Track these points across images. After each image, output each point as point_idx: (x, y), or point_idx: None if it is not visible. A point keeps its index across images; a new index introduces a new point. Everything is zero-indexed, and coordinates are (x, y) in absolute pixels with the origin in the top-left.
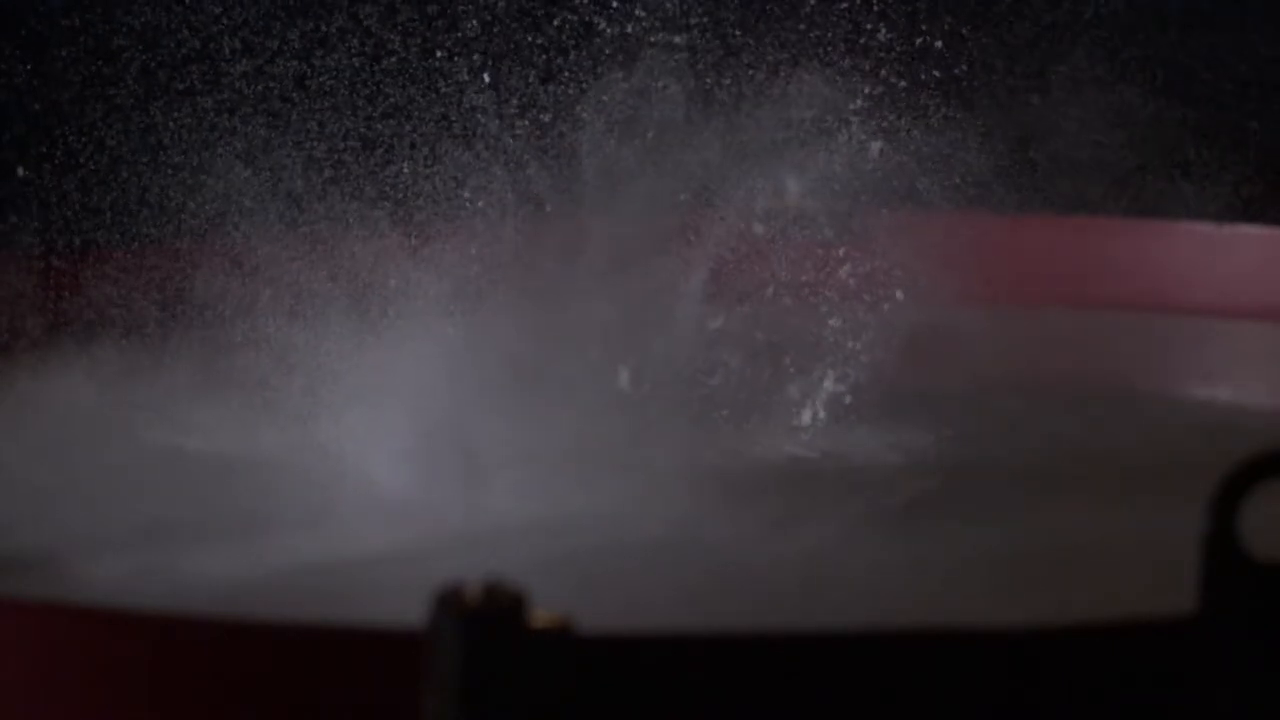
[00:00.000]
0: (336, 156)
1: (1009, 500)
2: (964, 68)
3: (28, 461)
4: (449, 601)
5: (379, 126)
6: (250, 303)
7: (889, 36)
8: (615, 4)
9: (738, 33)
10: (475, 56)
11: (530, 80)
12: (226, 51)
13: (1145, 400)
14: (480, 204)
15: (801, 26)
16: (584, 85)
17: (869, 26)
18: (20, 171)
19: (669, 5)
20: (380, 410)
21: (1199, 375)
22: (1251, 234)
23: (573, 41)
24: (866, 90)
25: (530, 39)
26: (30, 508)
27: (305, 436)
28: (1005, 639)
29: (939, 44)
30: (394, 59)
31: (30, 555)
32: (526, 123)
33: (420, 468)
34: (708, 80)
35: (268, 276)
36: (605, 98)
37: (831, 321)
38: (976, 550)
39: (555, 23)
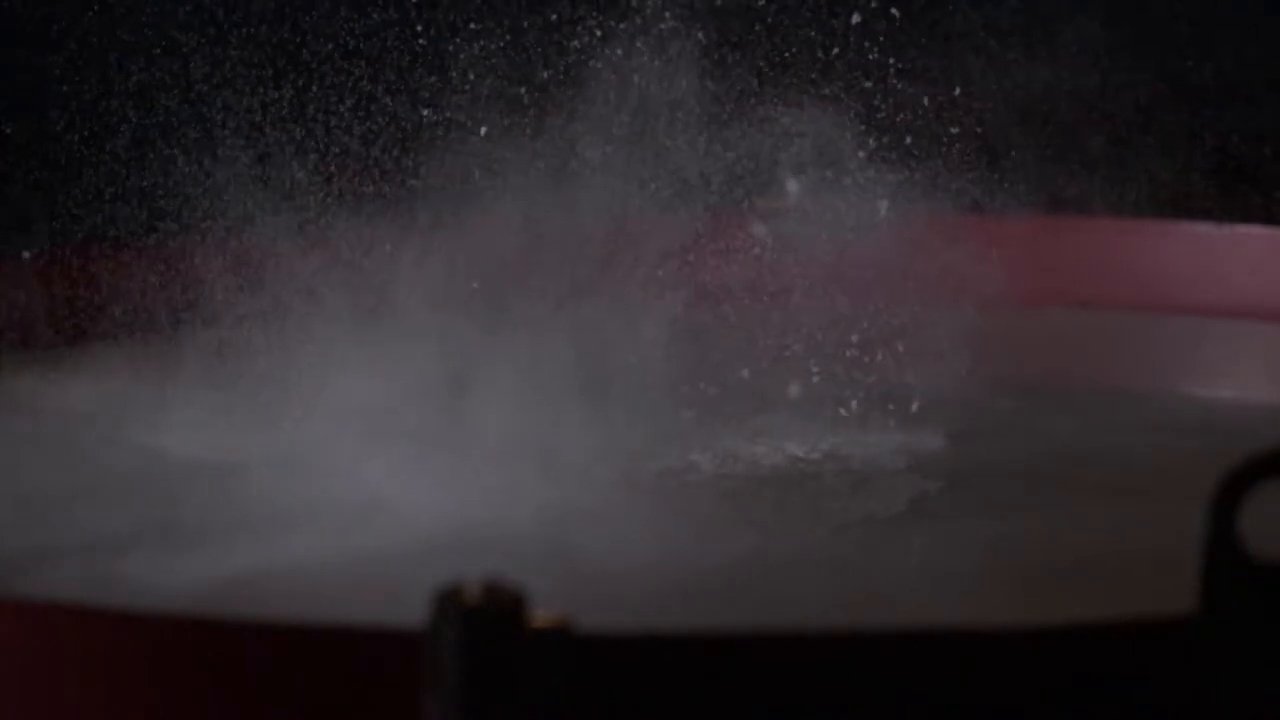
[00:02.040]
0: (325, 162)
1: (1008, 500)
2: (958, 66)
3: (17, 463)
4: (449, 601)
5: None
6: (239, 305)
7: (885, 34)
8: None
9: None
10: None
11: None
12: (219, 109)
13: (1145, 400)
14: (472, 207)
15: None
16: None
17: (870, 25)
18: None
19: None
20: (364, 415)
21: (1199, 375)
22: (1251, 234)
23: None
24: (863, 89)
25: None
26: (21, 509)
27: (287, 441)
28: (1005, 639)
29: (933, 44)
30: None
31: (24, 557)
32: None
33: (409, 473)
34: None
35: (259, 280)
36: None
37: (831, 323)
38: (976, 550)
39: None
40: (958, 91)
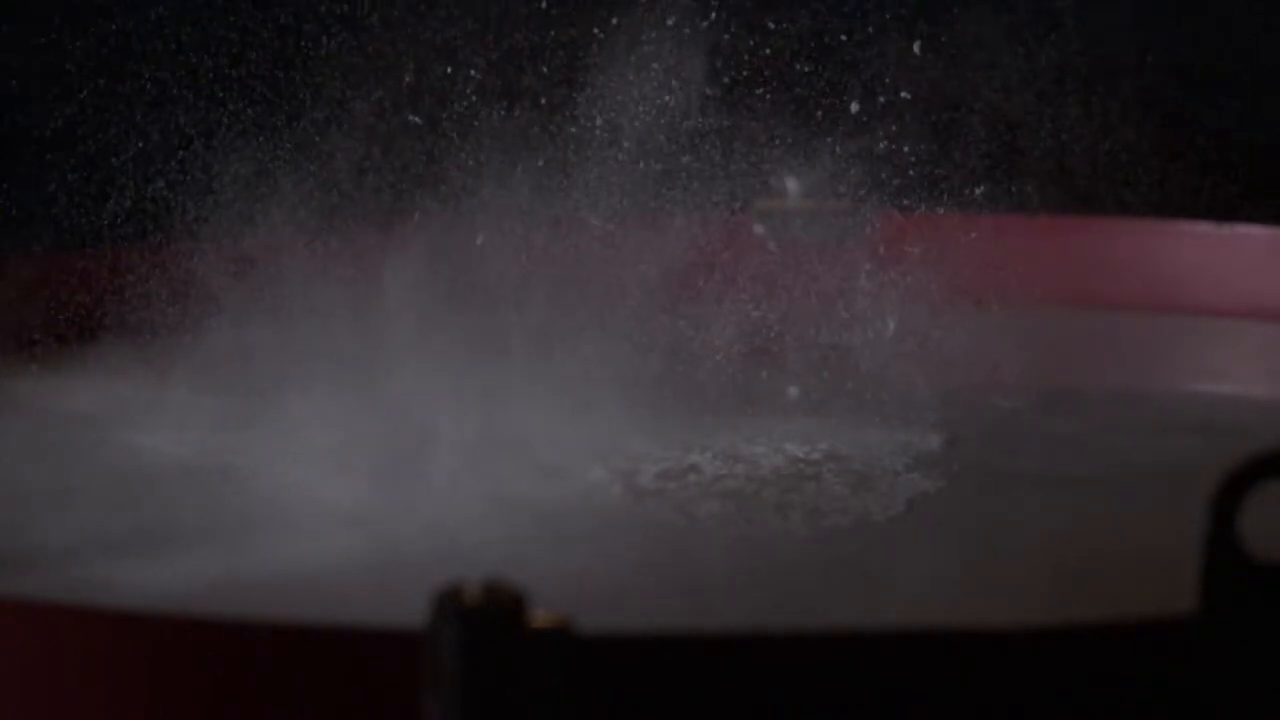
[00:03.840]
0: (324, 170)
1: (1008, 500)
2: (955, 66)
3: (16, 464)
4: (449, 601)
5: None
6: (238, 308)
7: (885, 35)
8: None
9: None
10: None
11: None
12: (219, 118)
13: (1145, 400)
14: (471, 207)
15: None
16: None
17: (866, 28)
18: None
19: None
20: (362, 417)
21: (1199, 375)
22: (1251, 234)
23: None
24: (864, 89)
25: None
26: (20, 510)
27: (285, 442)
28: (1005, 639)
29: (929, 43)
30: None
31: (22, 557)
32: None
33: (408, 474)
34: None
35: (258, 284)
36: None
37: (831, 322)
38: (976, 550)
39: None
40: (955, 89)
